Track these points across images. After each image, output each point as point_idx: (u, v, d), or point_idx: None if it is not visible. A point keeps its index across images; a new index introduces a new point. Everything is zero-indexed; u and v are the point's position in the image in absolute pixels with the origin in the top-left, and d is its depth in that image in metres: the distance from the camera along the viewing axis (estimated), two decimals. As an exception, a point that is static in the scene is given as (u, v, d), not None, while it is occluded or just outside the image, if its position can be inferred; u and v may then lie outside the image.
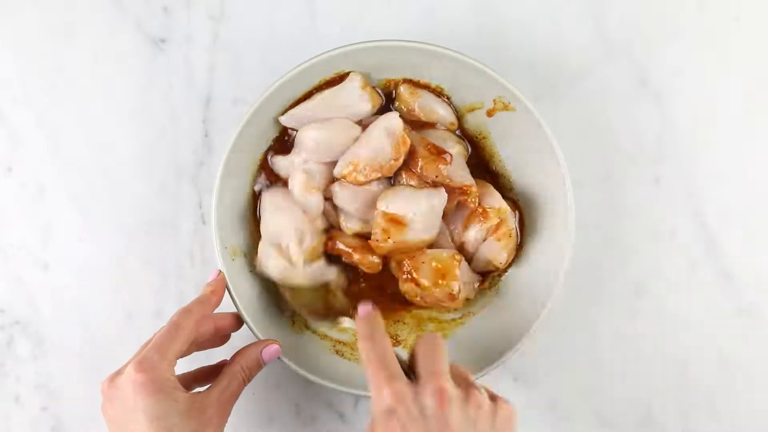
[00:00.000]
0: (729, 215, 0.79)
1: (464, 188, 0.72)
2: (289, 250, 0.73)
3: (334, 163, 0.73)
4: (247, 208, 0.74)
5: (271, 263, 0.73)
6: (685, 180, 0.80)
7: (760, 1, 0.80)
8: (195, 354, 0.75)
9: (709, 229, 0.79)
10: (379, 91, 0.75)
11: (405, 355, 0.68)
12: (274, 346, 0.69)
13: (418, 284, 0.72)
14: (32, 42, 0.79)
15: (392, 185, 0.74)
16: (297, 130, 0.74)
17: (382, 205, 0.71)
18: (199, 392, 0.64)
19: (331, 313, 0.74)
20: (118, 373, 0.64)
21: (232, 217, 0.73)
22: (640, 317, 0.79)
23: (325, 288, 0.75)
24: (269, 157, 0.75)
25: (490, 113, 0.74)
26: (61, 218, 0.79)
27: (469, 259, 0.75)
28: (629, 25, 0.80)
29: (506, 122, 0.74)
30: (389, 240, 0.71)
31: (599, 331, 0.79)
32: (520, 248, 0.76)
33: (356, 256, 0.74)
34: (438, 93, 0.75)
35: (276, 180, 0.75)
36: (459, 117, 0.76)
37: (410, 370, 0.60)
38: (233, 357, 0.68)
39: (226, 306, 0.70)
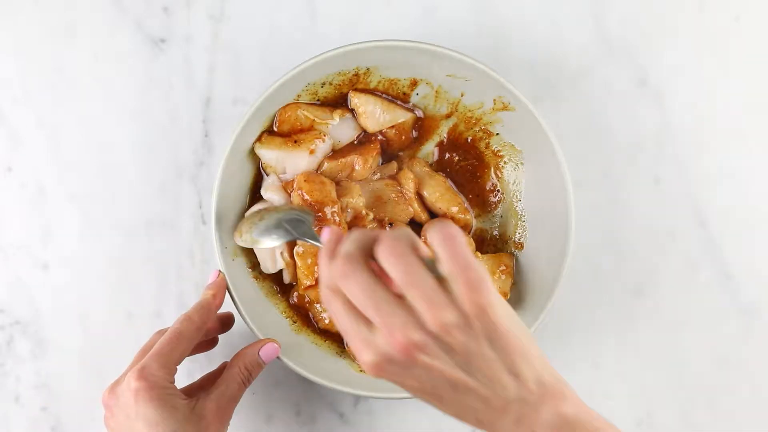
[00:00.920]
0: (729, 215, 0.79)
1: None
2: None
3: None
4: (247, 208, 0.74)
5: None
6: (685, 180, 0.80)
7: (760, 1, 0.80)
8: (195, 358, 0.75)
9: (709, 229, 0.79)
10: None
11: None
12: (273, 345, 0.69)
13: None
14: (32, 42, 0.79)
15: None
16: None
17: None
18: (199, 398, 0.64)
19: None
20: (118, 382, 0.64)
21: (232, 217, 0.73)
22: (640, 317, 0.79)
23: None
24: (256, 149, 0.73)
25: (490, 113, 0.74)
26: (61, 218, 0.79)
27: None
28: (629, 25, 0.79)
29: (507, 122, 0.74)
30: None
31: (599, 331, 0.79)
32: (520, 248, 0.76)
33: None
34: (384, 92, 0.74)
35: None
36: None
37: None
38: (232, 359, 0.68)
39: (226, 306, 0.70)
